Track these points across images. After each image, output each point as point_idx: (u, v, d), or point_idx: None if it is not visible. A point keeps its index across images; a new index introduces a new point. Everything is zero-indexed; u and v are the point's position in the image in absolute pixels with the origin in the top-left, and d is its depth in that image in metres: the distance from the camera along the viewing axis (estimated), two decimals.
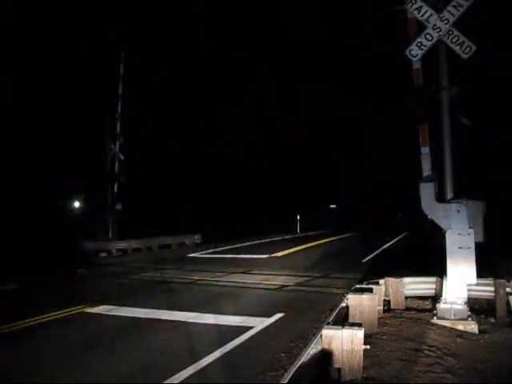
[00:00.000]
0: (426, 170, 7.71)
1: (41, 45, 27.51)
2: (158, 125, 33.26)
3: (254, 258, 18.02)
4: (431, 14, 7.33)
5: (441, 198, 7.54)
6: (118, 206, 22.24)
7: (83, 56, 25.95)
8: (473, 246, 7.07)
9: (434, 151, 7.83)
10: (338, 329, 5.02)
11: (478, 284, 7.41)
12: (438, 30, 7.25)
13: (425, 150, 7.79)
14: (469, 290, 7.46)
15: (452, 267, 7.13)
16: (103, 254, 20.20)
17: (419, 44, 7.39)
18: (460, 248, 7.09)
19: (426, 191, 7.46)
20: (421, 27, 7.57)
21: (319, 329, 5.42)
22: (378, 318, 7.13)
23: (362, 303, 6.74)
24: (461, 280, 7.14)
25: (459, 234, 7.12)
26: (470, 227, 7.15)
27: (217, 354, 6.05)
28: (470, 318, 7.18)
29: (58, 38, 28.19)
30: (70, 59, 27.53)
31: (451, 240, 7.14)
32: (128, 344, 6.67)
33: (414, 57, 7.44)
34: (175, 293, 10.65)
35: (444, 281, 7.47)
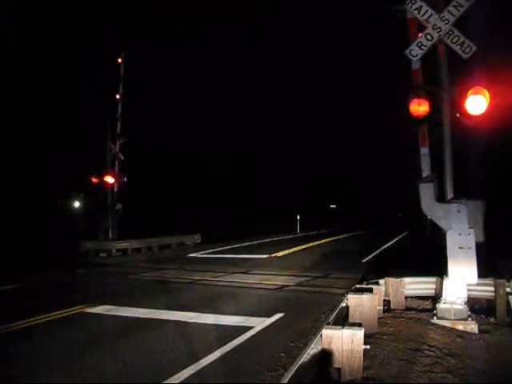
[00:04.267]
0: (426, 170, 7.68)
1: (41, 45, 27.51)
2: (158, 125, 33.28)
3: (254, 258, 18.02)
4: (431, 14, 7.32)
5: (441, 198, 7.52)
6: (119, 207, 22.22)
7: (83, 56, 25.98)
8: (473, 245, 7.03)
9: (434, 151, 7.82)
10: (337, 329, 5.02)
11: (478, 284, 7.38)
12: (438, 29, 7.24)
13: (424, 150, 7.76)
14: (469, 290, 7.45)
15: (453, 267, 7.10)
16: (103, 254, 20.21)
17: (419, 44, 7.37)
18: (461, 248, 7.06)
19: (426, 192, 7.43)
20: (420, 27, 7.56)
21: (319, 329, 5.42)
22: (378, 318, 7.12)
23: (362, 303, 6.74)
24: (462, 280, 7.11)
25: (460, 234, 7.09)
26: (470, 227, 7.12)
27: (217, 354, 6.05)
28: (470, 318, 7.17)
29: (59, 38, 28.20)
30: (70, 59, 27.54)
31: (452, 240, 7.11)
32: (128, 344, 6.67)
33: (414, 57, 7.42)
34: (175, 293, 10.65)
35: (444, 281, 7.46)
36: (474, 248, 7.01)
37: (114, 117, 22.46)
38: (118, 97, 22.89)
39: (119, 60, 22.94)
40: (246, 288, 11.27)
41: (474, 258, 7.01)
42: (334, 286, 11.14)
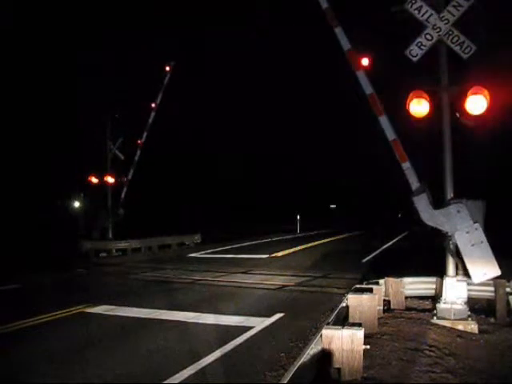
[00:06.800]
0: (414, 183, 7.58)
1: (41, 44, 27.53)
2: (157, 125, 33.24)
3: (254, 258, 18.03)
4: (431, 14, 7.31)
5: (439, 201, 7.44)
6: (121, 211, 22.12)
7: (84, 55, 25.97)
8: (485, 239, 6.90)
9: (433, 152, 7.79)
10: (337, 329, 5.02)
11: (478, 284, 7.37)
12: (438, 29, 7.23)
13: (405, 165, 7.68)
14: (469, 290, 7.44)
15: (472, 266, 6.94)
16: (103, 254, 20.20)
17: (419, 44, 7.37)
18: (473, 245, 6.94)
19: (421, 203, 7.32)
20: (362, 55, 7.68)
21: (319, 329, 5.42)
22: (378, 318, 7.12)
23: (362, 303, 6.74)
24: (485, 276, 6.94)
25: (467, 232, 6.99)
26: (475, 222, 7.00)
27: (217, 353, 6.05)
28: (470, 318, 7.17)
29: (59, 37, 28.22)
30: (70, 59, 27.55)
31: (462, 240, 7.00)
32: (128, 344, 6.67)
33: (414, 57, 7.41)
34: (175, 293, 10.66)
35: (444, 281, 7.46)
36: (485, 241, 6.88)
37: (113, 117, 22.33)
38: (153, 105, 22.30)
39: (167, 68, 22.34)
40: (246, 288, 11.27)
41: (490, 251, 6.87)
42: (334, 286, 11.15)
